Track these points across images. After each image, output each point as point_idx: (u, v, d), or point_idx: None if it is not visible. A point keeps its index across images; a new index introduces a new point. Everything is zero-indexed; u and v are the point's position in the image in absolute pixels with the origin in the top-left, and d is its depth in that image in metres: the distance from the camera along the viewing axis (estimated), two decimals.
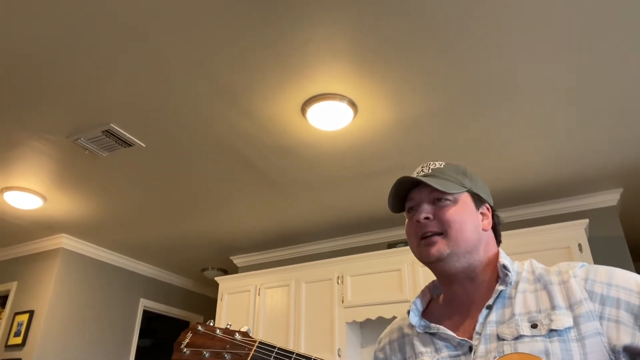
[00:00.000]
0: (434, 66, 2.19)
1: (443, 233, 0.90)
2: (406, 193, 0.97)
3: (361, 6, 1.87)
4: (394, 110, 2.51)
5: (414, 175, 0.98)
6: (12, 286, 4.40)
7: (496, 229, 0.98)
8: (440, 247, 0.89)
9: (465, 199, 0.93)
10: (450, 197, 0.92)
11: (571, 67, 2.18)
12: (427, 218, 0.91)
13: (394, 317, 3.26)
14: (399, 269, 3.40)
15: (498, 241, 0.99)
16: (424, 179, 0.91)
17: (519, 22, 1.94)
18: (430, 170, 0.97)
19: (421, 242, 0.92)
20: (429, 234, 0.90)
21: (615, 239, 3.22)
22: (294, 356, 0.89)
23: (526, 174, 3.12)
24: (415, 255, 0.94)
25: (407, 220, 0.97)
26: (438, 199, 0.92)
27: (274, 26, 1.97)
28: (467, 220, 0.91)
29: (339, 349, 3.39)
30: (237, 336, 0.94)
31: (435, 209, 0.92)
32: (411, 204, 0.95)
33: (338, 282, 3.62)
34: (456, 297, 0.93)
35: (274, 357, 0.90)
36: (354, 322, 3.50)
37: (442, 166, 0.97)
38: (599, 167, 3.02)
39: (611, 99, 2.39)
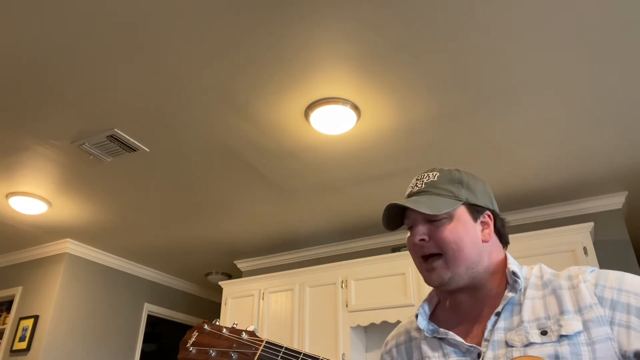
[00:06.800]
0: (437, 70, 2.19)
1: (441, 254, 0.89)
2: (402, 210, 0.95)
3: (364, 11, 1.88)
4: (397, 114, 2.52)
5: (408, 191, 0.98)
6: (17, 291, 4.40)
7: (501, 232, 0.96)
8: (440, 273, 0.89)
9: (462, 213, 0.91)
10: (445, 215, 0.90)
11: (575, 70, 2.18)
12: (422, 240, 0.90)
13: (399, 322, 3.25)
14: (404, 272, 3.39)
15: (505, 243, 0.97)
16: (413, 205, 0.89)
17: (521, 25, 1.94)
18: (423, 185, 0.95)
19: (422, 266, 0.92)
20: (427, 255, 0.90)
21: (621, 243, 3.19)
22: (301, 356, 0.88)
23: (531, 176, 3.11)
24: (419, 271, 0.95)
25: (408, 234, 0.96)
26: (432, 219, 0.91)
27: (276, 30, 1.98)
28: (465, 237, 0.89)
29: (343, 354, 3.38)
30: (244, 335, 0.93)
31: (431, 229, 0.90)
32: (408, 222, 0.95)
33: (342, 287, 3.61)
34: (462, 304, 0.93)
35: (281, 357, 0.89)
36: (358, 326, 3.48)
37: (436, 178, 0.95)
38: (603, 169, 3.01)
39: (616, 101, 2.39)
